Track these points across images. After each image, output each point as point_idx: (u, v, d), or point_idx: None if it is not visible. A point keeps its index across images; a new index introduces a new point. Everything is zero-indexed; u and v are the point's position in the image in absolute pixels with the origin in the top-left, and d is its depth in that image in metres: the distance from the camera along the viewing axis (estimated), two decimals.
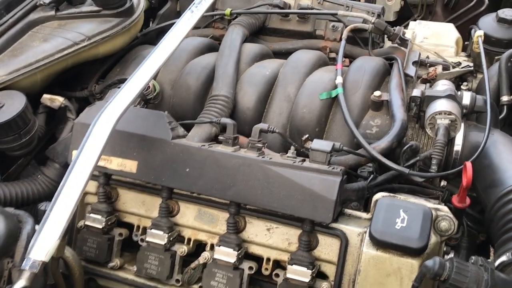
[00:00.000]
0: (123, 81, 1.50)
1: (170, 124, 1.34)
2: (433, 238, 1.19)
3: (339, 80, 1.46)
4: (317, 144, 1.26)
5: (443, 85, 1.46)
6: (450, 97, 1.36)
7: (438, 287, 1.18)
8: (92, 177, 1.40)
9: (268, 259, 1.32)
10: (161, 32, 1.84)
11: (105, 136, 1.14)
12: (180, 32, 1.41)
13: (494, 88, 1.61)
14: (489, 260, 1.12)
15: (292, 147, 1.32)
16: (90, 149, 1.12)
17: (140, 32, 1.87)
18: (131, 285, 1.38)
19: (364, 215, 1.28)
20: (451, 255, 1.28)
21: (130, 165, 1.34)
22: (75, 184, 1.07)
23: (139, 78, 1.26)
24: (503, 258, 1.11)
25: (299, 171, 1.22)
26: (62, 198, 1.05)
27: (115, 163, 1.35)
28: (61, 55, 1.51)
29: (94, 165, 1.10)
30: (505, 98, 1.57)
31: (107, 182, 1.41)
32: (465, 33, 1.86)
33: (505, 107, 1.57)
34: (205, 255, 1.33)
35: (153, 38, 1.92)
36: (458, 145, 1.41)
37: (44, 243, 1.00)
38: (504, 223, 1.17)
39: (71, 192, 1.06)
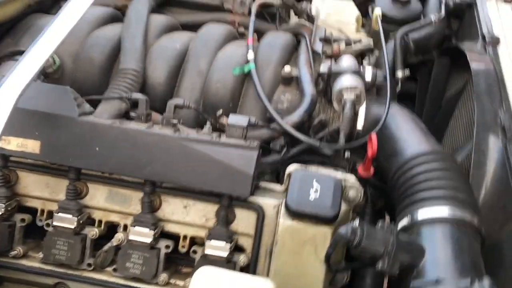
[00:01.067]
0: (17, 53, 1.37)
1: (76, 100, 1.26)
2: (343, 206, 1.26)
3: (251, 55, 1.46)
4: (233, 119, 1.27)
5: (347, 60, 1.53)
6: (355, 72, 1.44)
7: (348, 252, 1.26)
8: None
9: (185, 237, 1.30)
10: (58, 0, 1.70)
11: (4, 116, 1.04)
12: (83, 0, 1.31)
13: (390, 64, 1.72)
14: (391, 224, 1.22)
15: (208, 123, 1.31)
16: None
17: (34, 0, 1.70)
18: (37, 273, 1.29)
19: (278, 187, 1.32)
20: (357, 221, 1.37)
21: (32, 145, 1.24)
22: None
23: (40, 49, 1.15)
24: (404, 222, 1.21)
25: (216, 146, 1.21)
26: None
27: (14, 144, 1.24)
28: None
29: None
30: (399, 74, 1.69)
31: (5, 165, 1.29)
32: (364, 11, 1.96)
33: (399, 81, 1.70)
34: (119, 237, 1.29)
35: (48, 6, 1.76)
36: (361, 118, 1.50)
37: None
38: (404, 190, 1.28)
39: None
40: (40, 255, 1.29)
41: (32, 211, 1.33)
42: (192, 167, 1.21)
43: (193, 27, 1.66)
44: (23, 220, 1.31)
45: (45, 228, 1.30)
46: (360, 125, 1.50)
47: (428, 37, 1.86)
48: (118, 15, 1.65)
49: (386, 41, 1.81)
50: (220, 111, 1.37)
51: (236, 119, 1.26)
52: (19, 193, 1.32)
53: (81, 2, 1.26)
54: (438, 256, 1.11)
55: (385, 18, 1.83)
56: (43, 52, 1.14)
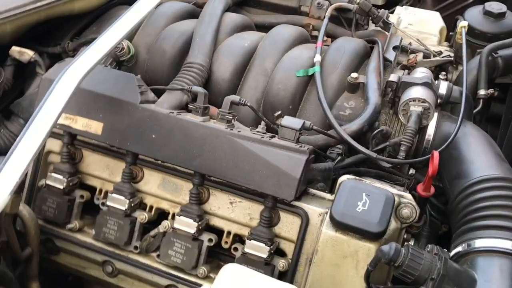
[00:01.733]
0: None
1: (140, 87, 1.31)
2: (393, 224, 1.18)
3: (317, 58, 1.43)
4: (287, 121, 1.25)
5: (421, 73, 1.45)
6: (426, 84, 1.35)
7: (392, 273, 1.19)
8: (57, 136, 1.38)
9: (229, 233, 1.31)
10: None
11: (68, 93, 1.11)
12: None
13: (473, 81, 1.59)
14: (445, 250, 1.12)
15: (262, 122, 1.30)
16: (51, 105, 1.08)
17: None
18: (88, 248, 1.36)
19: (328, 196, 1.27)
20: (411, 242, 1.29)
21: (95, 126, 1.31)
22: (32, 139, 1.04)
23: (109, 37, 1.21)
24: (459, 248, 1.12)
25: (266, 146, 1.20)
26: (18, 152, 1.02)
27: (80, 123, 1.32)
28: (34, 6, 1.45)
29: (54, 122, 1.06)
30: (481, 92, 1.56)
31: (71, 142, 1.37)
32: (452, 24, 1.84)
33: (481, 100, 1.57)
34: (165, 224, 1.32)
35: None
36: (429, 135, 1.40)
37: None
38: (464, 215, 1.18)
39: (28, 146, 1.03)
40: (93, 231, 1.36)
41: (92, 189, 1.41)
42: (239, 164, 1.20)
43: (268, 28, 1.65)
44: (82, 196, 1.39)
45: (100, 207, 1.37)
46: (427, 141, 1.40)
47: None
48: (196, 11, 1.70)
49: (473, 56, 1.70)
50: (278, 112, 1.36)
51: (290, 121, 1.24)
52: (82, 171, 1.41)
53: None
54: None
55: (473, 32, 1.71)
56: (111, 39, 1.20)
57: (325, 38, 1.62)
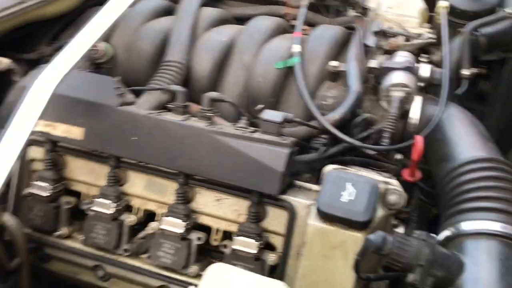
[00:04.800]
0: None
1: (117, 89, 1.29)
2: (381, 212, 1.18)
3: (296, 48, 1.41)
4: (268, 114, 1.24)
5: (402, 57, 1.43)
6: (406, 69, 1.34)
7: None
8: (39, 143, 1.37)
9: (217, 230, 1.30)
10: None
11: (43, 100, 1.09)
12: None
13: (457, 61, 1.58)
14: (433, 235, 1.12)
15: (244, 118, 1.29)
16: (26, 113, 1.07)
17: None
18: (78, 254, 1.36)
19: (314, 187, 1.26)
20: (401, 228, 1.28)
21: (76, 132, 1.30)
22: (8, 149, 1.02)
23: (82, 39, 1.20)
24: (447, 232, 1.11)
25: (247, 141, 1.19)
26: None
27: (60, 129, 1.30)
28: (5, 13, 1.43)
29: (30, 129, 1.05)
30: (465, 72, 1.54)
31: (53, 149, 1.36)
32: (432, 5, 1.82)
33: (466, 80, 1.55)
34: (152, 225, 1.31)
35: None
36: (415, 119, 1.39)
37: None
38: (450, 198, 1.17)
39: (5, 157, 1.02)
40: (83, 236, 1.35)
41: (78, 195, 1.40)
42: (222, 161, 1.19)
43: (247, 21, 1.63)
44: (68, 202, 1.38)
45: (87, 212, 1.36)
46: (414, 125, 1.39)
47: (504, 32, 1.68)
48: (173, 8, 1.67)
49: (455, 35, 1.68)
50: (260, 106, 1.34)
51: (271, 115, 1.22)
52: (66, 177, 1.39)
53: None
54: (479, 274, 1.01)
55: (454, 12, 1.68)
56: (85, 42, 1.19)
57: (306, 27, 1.60)
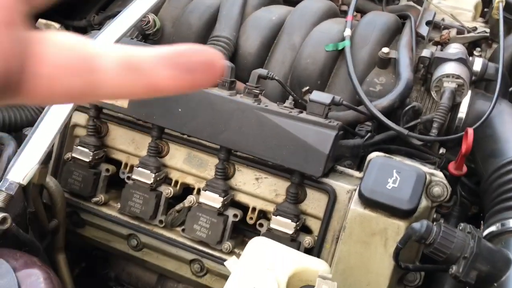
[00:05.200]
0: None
1: None
2: (424, 202, 1.15)
3: (348, 32, 1.39)
4: (316, 95, 1.22)
5: (455, 49, 1.40)
6: (460, 60, 1.30)
7: (422, 251, 1.16)
8: (83, 109, 1.38)
9: (254, 209, 1.29)
10: None
11: None
12: None
13: (509, 58, 1.54)
14: (478, 229, 1.09)
15: (290, 97, 1.27)
16: None
17: None
18: (113, 222, 1.37)
19: (356, 173, 1.25)
20: (441, 222, 1.25)
21: (121, 100, 1.30)
22: (59, 110, 1.03)
23: (135, 10, 1.19)
24: (492, 228, 1.08)
25: (293, 121, 1.17)
26: (45, 122, 1.01)
27: None
28: None
29: None
30: None
31: (98, 115, 1.37)
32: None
33: None
34: (190, 199, 1.31)
35: None
36: (462, 112, 1.36)
37: (22, 166, 0.97)
38: (498, 194, 1.14)
39: (55, 117, 1.02)
40: (118, 205, 1.36)
41: (117, 163, 1.41)
42: (266, 139, 1.18)
43: (296, 2, 1.61)
44: (107, 170, 1.39)
45: (126, 180, 1.36)
46: (460, 119, 1.36)
47: None
48: None
49: (509, 33, 1.63)
50: (306, 88, 1.33)
51: (319, 96, 1.21)
52: (108, 145, 1.40)
53: None
54: None
55: (510, 8, 1.64)
56: (137, 12, 1.19)
57: (355, 13, 1.57)
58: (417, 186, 1.13)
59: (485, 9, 1.79)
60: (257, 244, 0.92)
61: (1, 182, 0.96)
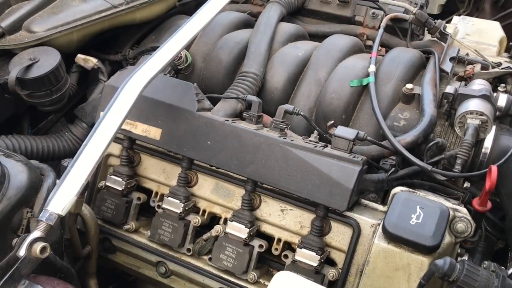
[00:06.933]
0: (156, 48, 1.51)
1: (197, 95, 1.35)
2: (447, 238, 1.17)
3: (372, 68, 1.43)
4: (340, 130, 1.25)
5: (479, 85, 1.42)
6: (484, 97, 1.32)
7: None
8: (117, 140, 1.44)
9: (279, 240, 1.32)
10: (200, 3, 1.83)
11: (131, 100, 1.16)
12: (217, 4, 1.41)
13: None
14: (502, 267, 1.09)
15: (315, 132, 1.31)
16: (115, 112, 1.14)
17: (179, 2, 1.87)
18: (143, 249, 1.41)
19: (380, 207, 1.27)
20: (465, 258, 1.26)
21: (154, 132, 1.36)
22: (97, 144, 1.09)
23: (171, 47, 1.26)
24: None
25: (319, 156, 1.21)
26: (84, 156, 1.07)
27: (140, 129, 1.37)
28: (99, 16, 1.53)
29: (118, 127, 1.12)
30: None
31: (131, 146, 1.43)
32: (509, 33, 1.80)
33: None
34: (217, 228, 1.35)
35: (191, 8, 1.92)
36: (486, 148, 1.37)
37: (62, 198, 1.03)
38: None
39: (93, 151, 1.08)
40: (148, 232, 1.41)
41: (148, 192, 1.46)
42: (292, 172, 1.22)
43: (322, 38, 1.66)
44: (139, 198, 1.44)
45: (156, 209, 1.41)
46: (484, 155, 1.37)
47: None
48: (251, 21, 1.74)
49: None
50: (331, 122, 1.36)
51: (344, 131, 1.24)
52: (139, 174, 1.46)
53: (213, 8, 1.35)
54: None
55: None
56: (172, 49, 1.25)
57: (379, 48, 1.61)
58: (440, 222, 1.14)
59: (510, 43, 1.80)
60: (283, 279, 0.95)
61: (42, 212, 1.01)
